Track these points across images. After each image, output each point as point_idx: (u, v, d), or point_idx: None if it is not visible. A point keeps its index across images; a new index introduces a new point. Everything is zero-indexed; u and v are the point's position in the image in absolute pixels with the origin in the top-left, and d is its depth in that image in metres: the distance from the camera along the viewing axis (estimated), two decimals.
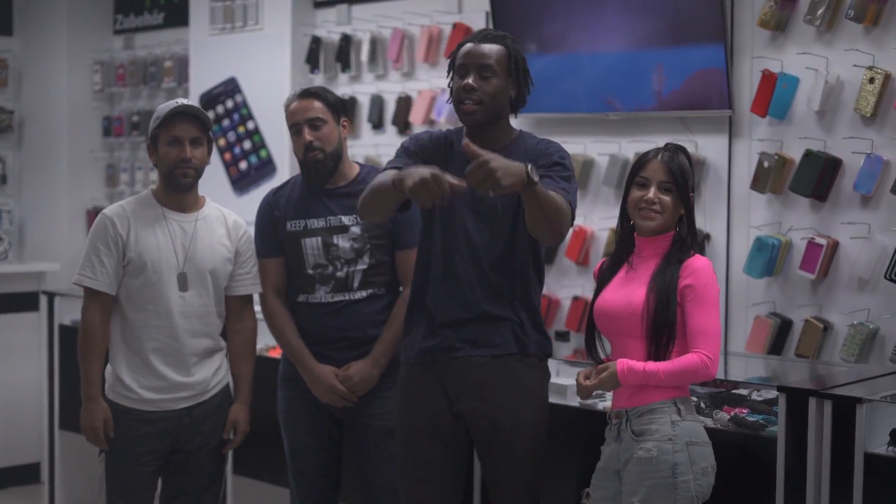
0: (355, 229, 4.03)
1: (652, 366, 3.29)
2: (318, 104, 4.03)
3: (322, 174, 4.04)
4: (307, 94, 4.05)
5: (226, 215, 4.13)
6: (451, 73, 3.59)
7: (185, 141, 3.94)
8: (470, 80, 3.48)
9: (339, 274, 4.03)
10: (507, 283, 3.54)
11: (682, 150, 3.45)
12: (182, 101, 4.00)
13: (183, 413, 3.99)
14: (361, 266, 4.03)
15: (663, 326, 3.29)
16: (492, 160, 3.07)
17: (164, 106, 3.99)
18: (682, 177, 3.37)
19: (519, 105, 3.61)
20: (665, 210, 3.37)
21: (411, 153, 3.59)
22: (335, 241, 4.04)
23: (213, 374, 4.06)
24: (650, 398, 3.33)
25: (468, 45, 3.54)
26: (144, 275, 3.94)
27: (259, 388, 4.19)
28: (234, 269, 4.09)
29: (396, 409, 3.72)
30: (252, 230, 4.19)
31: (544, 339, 3.63)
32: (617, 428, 3.40)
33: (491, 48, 3.51)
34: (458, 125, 3.65)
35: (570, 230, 3.62)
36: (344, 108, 4.12)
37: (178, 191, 4.01)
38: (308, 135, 4.00)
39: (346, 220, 4.05)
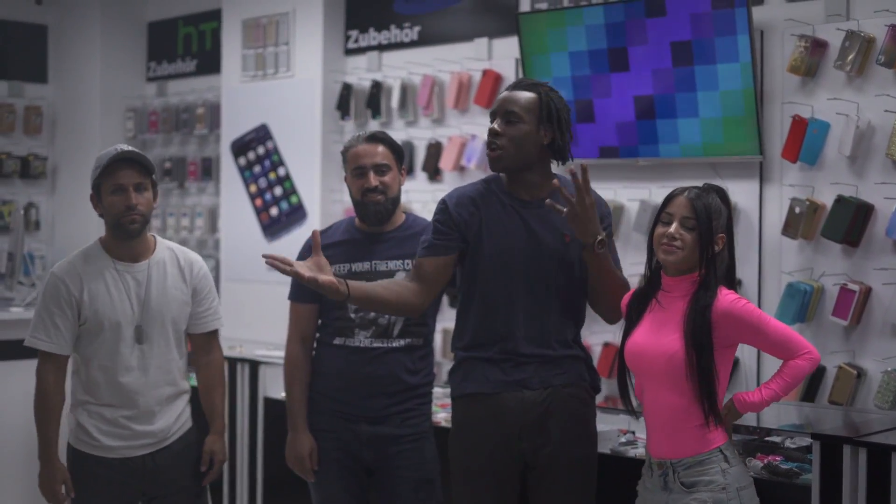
0: (400, 274, 4.03)
1: (769, 393, 3.30)
2: (384, 150, 4.04)
3: (381, 216, 4.04)
4: (374, 138, 4.05)
5: (178, 254, 4.04)
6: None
7: (129, 188, 3.84)
8: (495, 125, 3.54)
9: (381, 320, 4.03)
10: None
11: (717, 190, 3.41)
12: (122, 146, 3.91)
13: (146, 458, 3.94)
14: None
15: (712, 382, 3.28)
16: (590, 204, 3.42)
17: (104, 153, 3.89)
18: (705, 214, 3.30)
19: (559, 153, 3.61)
20: (686, 246, 3.32)
21: (443, 232, 3.63)
22: None
23: (175, 419, 4.01)
24: (696, 450, 3.29)
25: (503, 93, 3.61)
26: (102, 334, 3.88)
27: (285, 431, 4.18)
28: (193, 308, 4.04)
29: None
30: (208, 269, 4.14)
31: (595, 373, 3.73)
32: (663, 479, 3.36)
33: (521, 94, 3.56)
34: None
35: None
36: (403, 156, 4.14)
37: (127, 238, 3.92)
38: (374, 179, 4.00)
39: (391, 265, 4.05)
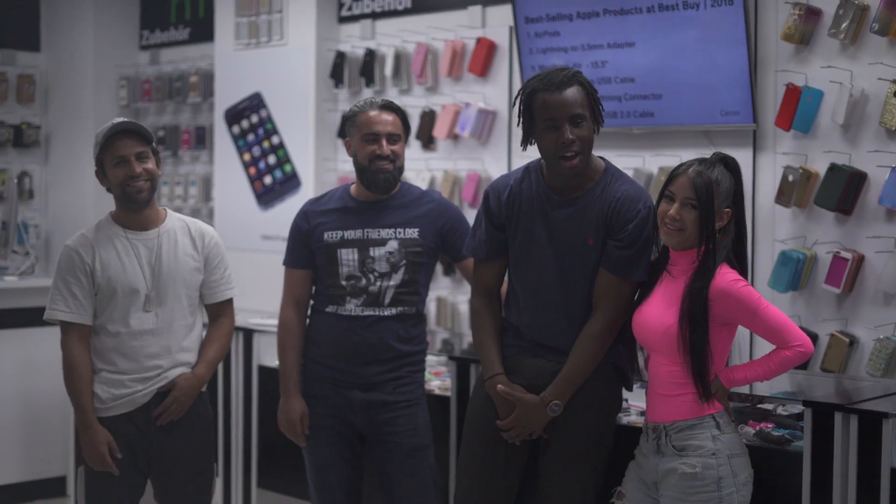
0: (392, 243, 4.06)
1: (753, 374, 3.35)
2: (396, 119, 4.08)
3: (389, 185, 4.09)
4: (389, 107, 4.09)
5: (189, 225, 4.10)
6: (521, 121, 3.59)
7: (130, 158, 3.91)
8: (568, 134, 3.49)
9: (371, 288, 4.05)
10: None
11: (725, 160, 3.41)
12: (117, 119, 3.98)
13: (150, 405, 3.95)
14: (394, 282, 4.05)
15: (703, 359, 3.32)
16: (508, 424, 3.55)
17: (101, 129, 3.97)
18: (706, 193, 3.31)
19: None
20: (687, 227, 3.34)
21: (494, 220, 3.70)
22: (371, 253, 4.05)
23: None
24: (688, 414, 3.34)
25: (555, 97, 3.50)
26: (115, 300, 3.93)
27: (279, 399, 4.18)
28: (205, 277, 4.08)
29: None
30: (221, 239, 4.18)
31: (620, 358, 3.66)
32: (655, 442, 3.40)
33: (574, 94, 3.51)
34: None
35: None
36: (409, 128, 4.19)
37: (136, 209, 3.98)
38: (387, 148, 4.04)
39: (383, 233, 4.07)
